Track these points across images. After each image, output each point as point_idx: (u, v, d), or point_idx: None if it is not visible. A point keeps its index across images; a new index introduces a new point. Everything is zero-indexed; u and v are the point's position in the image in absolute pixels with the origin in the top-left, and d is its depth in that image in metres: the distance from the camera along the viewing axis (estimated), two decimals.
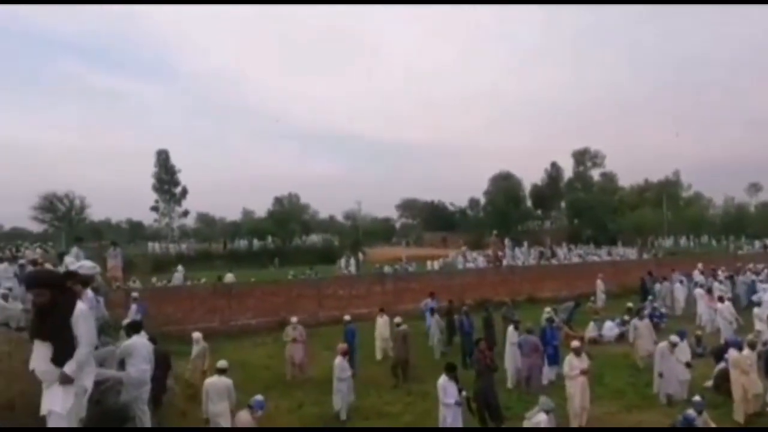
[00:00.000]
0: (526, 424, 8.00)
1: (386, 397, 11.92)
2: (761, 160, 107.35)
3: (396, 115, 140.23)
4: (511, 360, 12.52)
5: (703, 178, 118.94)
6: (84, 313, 4.88)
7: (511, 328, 12.96)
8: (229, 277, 26.73)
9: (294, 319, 14.09)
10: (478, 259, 36.89)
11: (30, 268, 15.98)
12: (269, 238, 59.80)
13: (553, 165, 73.83)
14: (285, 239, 61.39)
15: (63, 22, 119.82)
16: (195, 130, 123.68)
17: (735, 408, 9.79)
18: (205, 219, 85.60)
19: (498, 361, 11.92)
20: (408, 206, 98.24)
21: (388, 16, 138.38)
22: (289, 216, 69.44)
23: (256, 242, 59.16)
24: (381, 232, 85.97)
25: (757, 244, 48.45)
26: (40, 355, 4.65)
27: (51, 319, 4.64)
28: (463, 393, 8.71)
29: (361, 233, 72.23)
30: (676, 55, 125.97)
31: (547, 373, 12.44)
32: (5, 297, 11.54)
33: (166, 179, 60.88)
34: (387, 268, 34.44)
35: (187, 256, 48.81)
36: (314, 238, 64.82)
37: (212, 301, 20.64)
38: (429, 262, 37.08)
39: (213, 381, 8.62)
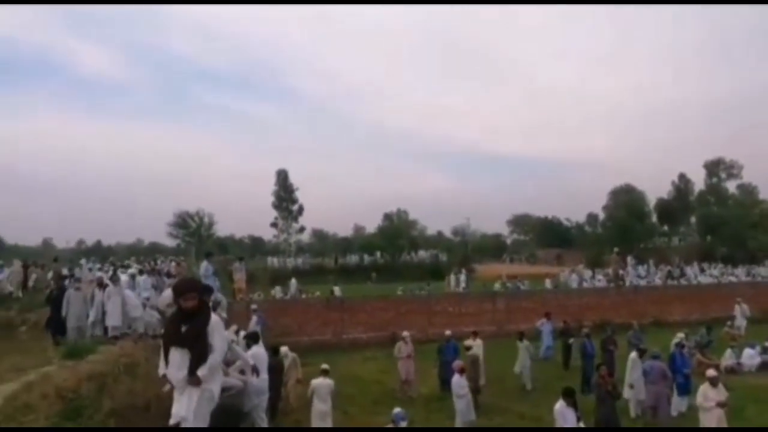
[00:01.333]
0: None
1: (497, 420, 11.53)
2: None
3: (511, 130, 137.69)
4: (629, 388, 11.58)
5: None
6: (218, 324, 5.22)
7: (634, 354, 12.01)
8: (335, 291, 27.58)
9: (406, 334, 13.93)
10: (596, 278, 34.98)
11: (166, 279, 17.71)
12: (378, 254, 60.94)
13: (682, 177, 68.34)
14: (394, 255, 62.26)
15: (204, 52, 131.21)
16: (313, 149, 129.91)
17: None
18: (319, 235, 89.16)
19: (619, 388, 11.20)
20: (520, 222, 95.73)
21: (510, 30, 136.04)
22: (397, 232, 70.34)
23: (366, 257, 60.61)
24: (491, 248, 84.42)
25: None
26: (175, 362, 4.93)
27: (192, 327, 4.95)
28: (581, 424, 8.17)
29: (470, 249, 71.29)
30: None
31: (677, 404, 11.40)
32: (144, 306, 12.75)
33: (285, 197, 64.25)
34: (497, 286, 33.57)
35: (302, 270, 51.13)
36: (423, 254, 65.05)
37: (326, 314, 21.34)
38: (548, 281, 35.66)
39: (319, 381, 9.83)
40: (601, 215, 71.78)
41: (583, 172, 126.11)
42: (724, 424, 8.95)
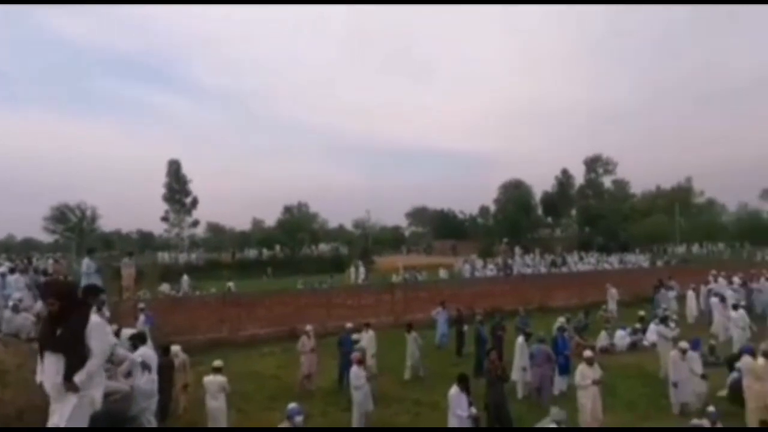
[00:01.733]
0: None
1: (394, 408, 11.80)
2: None
3: (410, 124, 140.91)
4: (521, 370, 12.35)
5: (716, 185, 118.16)
6: (98, 326, 4.87)
7: (521, 338, 12.80)
8: (230, 287, 26.84)
9: (309, 328, 13.74)
10: (487, 267, 36.72)
11: (42, 278, 16.20)
12: (278, 248, 59.92)
13: (564, 172, 73.48)
14: (294, 248, 61.51)
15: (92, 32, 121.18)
16: (209, 140, 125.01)
17: (748, 416, 9.60)
18: (215, 229, 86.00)
19: (508, 371, 11.87)
20: (418, 214, 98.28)
21: (409, 22, 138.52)
22: (298, 225, 69.61)
23: (265, 252, 59.33)
24: (390, 240, 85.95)
25: None
26: (50, 369, 4.59)
27: (64, 331, 4.60)
28: (473, 409, 8.55)
29: (370, 241, 72.18)
30: (691, 60, 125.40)
31: (558, 384, 12.27)
32: (16, 308, 11.61)
33: (178, 189, 61.20)
34: (395, 277, 34.30)
35: (196, 266, 49.09)
36: (323, 247, 64.88)
37: (221, 310, 20.58)
38: (442, 271, 36.90)
39: (210, 379, 9.73)
40: (493, 208, 75.59)
41: (477, 167, 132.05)
42: (599, 401, 9.75)
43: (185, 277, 32.69)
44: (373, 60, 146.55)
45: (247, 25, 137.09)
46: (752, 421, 9.52)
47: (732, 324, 15.91)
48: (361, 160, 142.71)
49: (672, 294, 21.86)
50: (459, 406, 8.49)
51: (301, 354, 13.39)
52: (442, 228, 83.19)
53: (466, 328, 16.81)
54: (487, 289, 25.85)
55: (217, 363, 10.06)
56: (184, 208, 62.01)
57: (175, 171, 60.79)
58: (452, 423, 8.57)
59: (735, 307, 16.34)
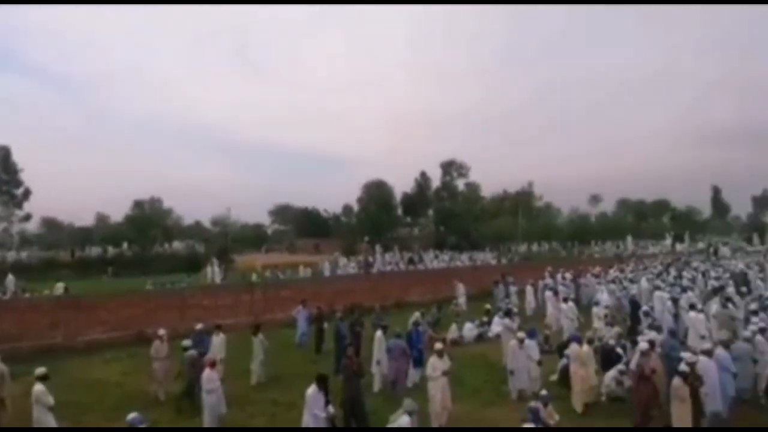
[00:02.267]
0: (389, 425, 8.12)
1: (249, 410, 11.48)
2: (601, 175, 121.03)
3: (274, 121, 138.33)
4: (377, 364, 12.68)
5: (553, 190, 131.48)
6: None
7: (379, 332, 13.15)
8: (58, 288, 24.44)
9: (162, 332, 12.75)
10: (350, 265, 37.27)
11: None
12: (125, 245, 55.38)
13: (423, 174, 76.85)
14: (144, 246, 57.26)
15: None
16: (50, 129, 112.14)
17: (573, 398, 10.78)
18: (51, 224, 77.17)
19: (366, 366, 12.11)
20: (281, 212, 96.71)
21: (260, 19, 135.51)
22: (149, 221, 64.94)
23: (111, 249, 54.53)
24: (252, 238, 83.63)
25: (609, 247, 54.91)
26: None
27: None
28: (330, 408, 8.58)
29: (229, 239, 69.61)
30: (539, 77, 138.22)
31: (412, 376, 12.78)
32: None
33: (7, 179, 54.04)
34: (255, 276, 33.50)
35: (27, 265, 43.77)
36: (178, 245, 61.24)
37: (56, 314, 18.52)
38: (301, 268, 36.67)
39: (37, 388, 8.97)
40: (356, 207, 76.81)
41: (341, 166, 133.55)
42: (448, 390, 10.31)
43: (10, 277, 28.98)
44: (231, 56, 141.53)
45: (95, 17, 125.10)
46: (577, 403, 10.69)
47: (563, 315, 17.75)
48: (223, 157, 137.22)
49: (513, 289, 23.84)
50: (316, 406, 8.46)
51: (154, 360, 12.45)
52: (305, 226, 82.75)
53: (326, 325, 16.88)
54: (348, 286, 26.21)
55: (40, 371, 9.14)
56: (13, 200, 54.96)
57: (3, 159, 53.60)
58: (307, 422, 8.50)
59: (565, 300, 18.28)
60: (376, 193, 71.30)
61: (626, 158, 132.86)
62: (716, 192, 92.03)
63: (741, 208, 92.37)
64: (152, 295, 24.08)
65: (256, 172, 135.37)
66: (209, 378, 10.02)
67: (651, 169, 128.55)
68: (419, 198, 75.86)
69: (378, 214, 67.57)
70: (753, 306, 14.85)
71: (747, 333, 11.38)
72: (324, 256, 44.52)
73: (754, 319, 12.77)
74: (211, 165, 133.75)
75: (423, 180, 76.44)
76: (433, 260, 44.90)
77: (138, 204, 68.81)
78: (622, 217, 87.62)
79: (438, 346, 10.76)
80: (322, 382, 8.57)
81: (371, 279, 28.43)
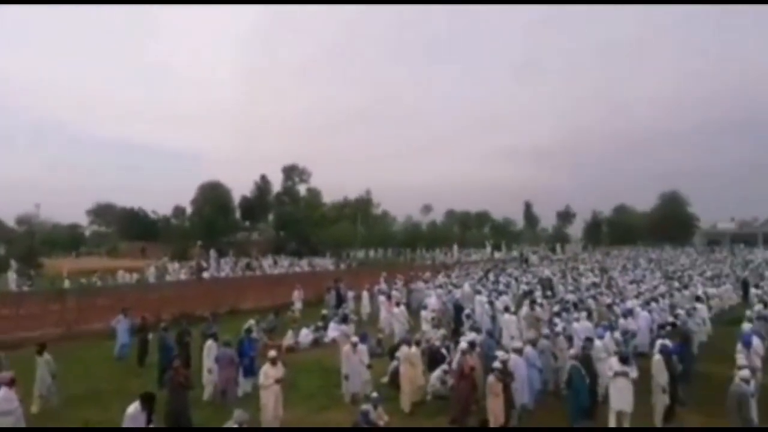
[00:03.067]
0: None
1: None
2: (432, 185, 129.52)
3: (105, 111, 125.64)
4: (207, 373, 12.14)
5: (389, 198, 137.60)
6: None
7: (209, 341, 12.56)
8: None
9: None
10: (180, 271, 35.13)
11: None
12: None
13: (263, 178, 75.34)
14: None
15: None
16: None
17: (402, 398, 11.30)
18: None
19: (196, 378, 11.50)
20: (102, 212, 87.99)
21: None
22: None
23: None
24: (66, 240, 74.84)
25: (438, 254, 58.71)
26: None
27: None
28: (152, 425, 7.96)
29: (37, 241, 61.41)
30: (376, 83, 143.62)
31: (243, 385, 12.42)
32: None
33: None
34: (68, 282, 30.03)
35: None
36: None
37: None
38: (121, 273, 33.67)
39: None
40: (189, 209, 72.76)
41: (175, 165, 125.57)
42: (281, 398, 10.19)
43: None
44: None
45: None
46: (405, 403, 11.21)
47: (395, 319, 18.53)
48: (36, 150, 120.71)
49: (350, 294, 24.35)
50: (135, 424, 7.80)
51: None
52: (131, 228, 76.35)
53: (150, 336, 15.66)
54: (177, 293, 24.66)
55: None
56: None
57: None
58: None
59: (398, 304, 19.13)
60: (212, 194, 68.13)
61: (455, 172, 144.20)
62: (528, 206, 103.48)
63: (548, 221, 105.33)
64: None
65: (73, 167, 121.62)
66: (6, 398, 8.74)
67: (475, 183, 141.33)
68: (259, 202, 74.21)
69: (213, 217, 64.65)
70: (556, 308, 16.88)
71: (548, 331, 12.89)
72: (151, 261, 41.36)
73: (557, 319, 14.55)
74: (20, 158, 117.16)
75: (263, 183, 74.97)
76: (272, 266, 44.20)
77: None
78: (449, 226, 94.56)
79: (272, 353, 10.59)
80: (147, 401, 7.91)
81: (203, 285, 27.05)
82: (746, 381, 8.55)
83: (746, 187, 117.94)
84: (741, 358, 10.14)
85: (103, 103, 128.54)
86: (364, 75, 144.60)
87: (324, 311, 20.20)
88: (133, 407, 7.88)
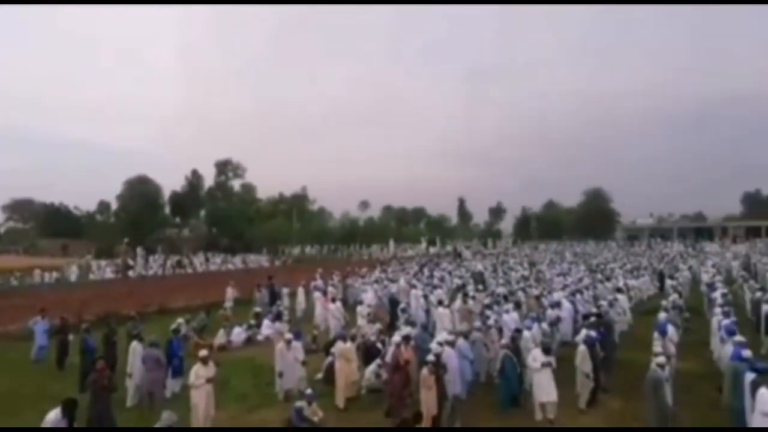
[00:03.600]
0: None
1: None
2: (370, 183, 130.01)
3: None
4: (131, 376, 11.64)
5: (326, 195, 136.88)
6: None
7: (134, 342, 12.04)
8: None
9: None
10: (105, 269, 33.53)
11: None
12: None
13: (194, 173, 73.11)
14: None
15: None
16: None
17: (337, 394, 11.27)
18: None
19: (120, 380, 11.02)
20: (19, 207, 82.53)
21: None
22: None
23: None
24: None
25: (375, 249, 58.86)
26: None
27: None
28: None
29: None
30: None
31: (171, 386, 12.00)
32: None
33: None
34: None
35: None
36: None
37: None
38: (36, 272, 31.73)
39: None
40: (115, 204, 69.60)
41: (100, 159, 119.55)
42: (212, 398, 9.91)
43: None
44: None
45: None
46: (339, 398, 11.18)
47: (330, 315, 18.44)
48: None
49: (285, 291, 24.03)
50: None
51: None
52: (51, 224, 72.08)
53: (71, 337, 14.85)
54: (101, 292, 23.61)
55: None
56: None
57: None
58: None
59: (333, 300, 19.05)
60: (140, 189, 65.46)
61: (392, 169, 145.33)
62: (461, 203, 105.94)
63: (480, 217, 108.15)
64: None
65: None
66: None
67: (411, 179, 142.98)
68: (190, 197, 71.99)
69: (141, 213, 62.08)
70: (487, 301, 17.33)
71: (480, 323, 13.21)
72: (73, 259, 39.20)
73: (488, 312, 14.94)
74: None
75: (195, 179, 72.79)
76: (204, 263, 42.95)
77: None
78: (386, 222, 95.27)
79: (203, 353, 10.29)
80: (69, 408, 7.51)
81: (130, 284, 25.94)
82: (662, 367, 9.08)
83: (664, 185, 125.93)
84: (657, 346, 10.74)
85: (28, 99, 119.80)
86: (303, 74, 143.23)
87: (257, 309, 19.82)
88: (54, 414, 7.48)
